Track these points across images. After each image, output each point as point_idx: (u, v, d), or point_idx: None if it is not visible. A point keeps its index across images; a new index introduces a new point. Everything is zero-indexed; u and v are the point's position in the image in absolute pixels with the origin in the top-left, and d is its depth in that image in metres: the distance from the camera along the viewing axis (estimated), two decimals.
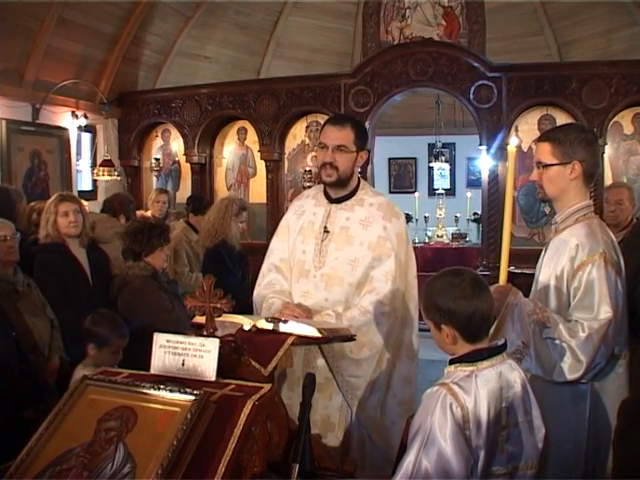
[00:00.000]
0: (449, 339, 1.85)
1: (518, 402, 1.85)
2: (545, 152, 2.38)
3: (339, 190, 2.76)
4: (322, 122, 7.23)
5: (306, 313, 2.62)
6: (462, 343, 1.85)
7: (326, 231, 2.74)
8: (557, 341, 2.23)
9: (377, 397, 2.70)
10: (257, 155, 7.67)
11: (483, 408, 1.76)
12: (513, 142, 2.51)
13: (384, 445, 2.71)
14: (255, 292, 2.85)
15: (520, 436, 1.85)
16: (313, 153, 7.28)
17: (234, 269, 4.55)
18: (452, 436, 1.71)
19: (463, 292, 1.81)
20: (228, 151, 7.96)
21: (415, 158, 11.52)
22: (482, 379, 1.80)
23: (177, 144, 8.04)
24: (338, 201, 2.77)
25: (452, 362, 1.87)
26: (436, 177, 11.34)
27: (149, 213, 6.22)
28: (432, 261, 8.45)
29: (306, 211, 2.83)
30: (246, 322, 2.32)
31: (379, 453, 2.74)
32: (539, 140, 2.45)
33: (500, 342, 1.90)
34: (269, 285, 2.82)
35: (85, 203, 6.44)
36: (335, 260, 2.69)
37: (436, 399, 1.75)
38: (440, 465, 1.69)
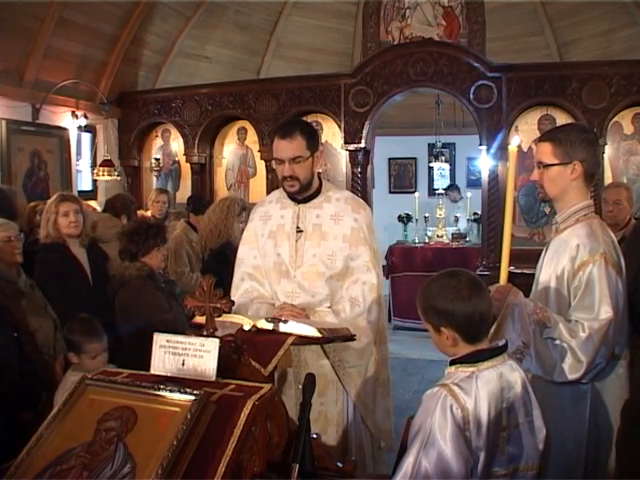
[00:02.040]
0: (449, 341, 1.85)
1: (519, 403, 1.85)
2: (546, 152, 2.38)
3: (303, 192, 2.82)
4: (322, 122, 7.28)
5: (303, 312, 2.65)
6: (462, 344, 1.85)
7: (299, 231, 2.80)
8: (557, 341, 2.23)
9: (370, 384, 2.79)
10: (257, 155, 7.66)
11: (483, 409, 1.76)
12: (515, 142, 2.51)
13: (373, 427, 2.83)
14: None
15: (520, 437, 1.85)
16: None
17: None
18: (452, 437, 1.71)
19: (460, 293, 1.81)
20: (228, 151, 7.96)
21: (415, 158, 11.49)
22: (482, 380, 1.80)
23: (177, 144, 8.03)
24: (305, 201, 2.84)
25: (453, 363, 1.87)
26: (436, 177, 11.32)
27: (149, 213, 6.23)
28: (432, 261, 8.43)
29: (273, 215, 2.88)
30: (246, 322, 2.33)
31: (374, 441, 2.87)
32: (540, 140, 2.45)
33: (501, 343, 1.90)
34: (246, 294, 2.85)
35: (94, 204, 6.47)
36: (313, 257, 2.75)
37: (436, 400, 1.76)
38: (440, 466, 1.69)
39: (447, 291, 1.83)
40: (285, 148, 2.70)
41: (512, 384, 1.84)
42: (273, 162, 2.84)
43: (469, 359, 1.83)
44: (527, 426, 1.86)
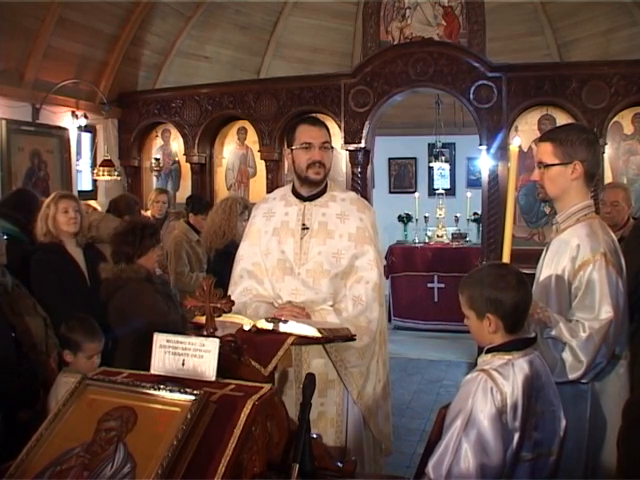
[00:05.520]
0: (491, 327, 1.95)
1: (544, 392, 1.95)
2: (546, 152, 2.39)
3: (313, 188, 2.83)
4: None
5: (303, 312, 2.64)
6: (501, 333, 1.96)
7: (305, 228, 2.80)
8: (558, 341, 2.24)
9: (372, 384, 2.79)
10: (257, 155, 7.65)
11: (519, 394, 1.85)
12: (516, 142, 2.52)
13: (375, 430, 2.82)
14: None
15: (545, 424, 1.94)
16: None
17: None
18: (492, 418, 1.80)
19: (510, 283, 1.94)
20: (228, 151, 7.95)
21: (415, 158, 11.49)
22: (518, 367, 1.90)
23: (177, 144, 8.03)
24: (311, 199, 2.84)
25: (489, 351, 1.98)
26: (436, 177, 11.31)
27: (149, 213, 6.23)
28: (432, 261, 8.43)
29: (276, 212, 2.88)
30: (246, 322, 2.33)
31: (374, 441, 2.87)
32: (540, 140, 2.46)
33: (531, 335, 2.03)
34: (245, 292, 2.84)
35: (94, 204, 6.47)
36: (319, 254, 2.75)
37: (477, 384, 1.86)
38: (480, 445, 1.79)
39: (498, 280, 1.95)
40: (317, 133, 2.78)
41: (540, 373, 1.95)
42: (295, 151, 2.80)
43: (506, 347, 1.95)
44: (551, 415, 1.96)
